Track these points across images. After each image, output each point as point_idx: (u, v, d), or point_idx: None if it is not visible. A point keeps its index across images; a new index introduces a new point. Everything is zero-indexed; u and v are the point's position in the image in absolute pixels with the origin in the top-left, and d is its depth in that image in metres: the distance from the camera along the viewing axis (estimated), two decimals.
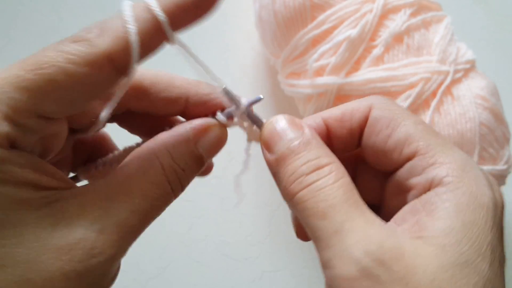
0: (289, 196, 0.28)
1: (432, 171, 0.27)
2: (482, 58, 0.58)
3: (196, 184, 0.66)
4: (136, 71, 0.26)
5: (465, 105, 0.51)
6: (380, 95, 0.33)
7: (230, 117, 0.31)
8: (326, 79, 0.53)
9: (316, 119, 0.32)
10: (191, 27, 0.28)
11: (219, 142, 0.30)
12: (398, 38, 0.53)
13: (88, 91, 0.25)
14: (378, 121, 0.30)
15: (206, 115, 0.31)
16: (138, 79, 0.30)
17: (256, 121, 0.32)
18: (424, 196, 0.27)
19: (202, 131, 0.29)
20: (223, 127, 0.31)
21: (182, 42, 0.28)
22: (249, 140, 0.33)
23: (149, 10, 0.24)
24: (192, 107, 0.31)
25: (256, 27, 0.61)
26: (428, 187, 0.27)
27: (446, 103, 0.52)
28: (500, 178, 0.53)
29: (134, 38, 0.24)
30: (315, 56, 0.53)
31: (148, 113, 0.32)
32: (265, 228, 0.62)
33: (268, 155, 0.30)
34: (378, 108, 0.30)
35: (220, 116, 0.31)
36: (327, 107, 0.55)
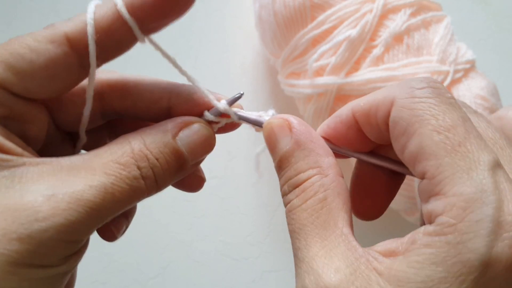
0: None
1: (433, 202, 0.23)
2: (482, 58, 0.58)
3: None
4: (96, 64, 0.27)
5: None
6: (429, 76, 0.27)
7: (218, 115, 0.30)
8: (326, 79, 0.53)
9: (346, 112, 0.29)
10: (164, 26, 0.28)
11: (203, 141, 0.29)
12: (398, 38, 0.53)
13: (49, 68, 0.26)
14: (395, 125, 0.25)
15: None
16: (122, 78, 0.30)
17: (253, 123, 0.31)
18: (416, 231, 0.23)
19: (182, 124, 0.29)
20: (208, 126, 0.30)
21: (150, 39, 0.29)
22: (258, 130, 0.32)
23: (112, 1, 0.26)
24: (176, 107, 0.30)
25: (256, 27, 0.61)
26: (429, 221, 0.23)
27: None
28: None
29: (90, 20, 0.26)
30: (315, 56, 0.53)
31: (136, 116, 0.31)
32: (265, 228, 0.62)
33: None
34: (398, 107, 0.25)
35: (206, 115, 0.30)
36: (327, 107, 0.55)
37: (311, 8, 0.53)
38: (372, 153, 0.30)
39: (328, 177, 0.26)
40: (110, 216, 0.26)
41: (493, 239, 0.21)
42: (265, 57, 0.66)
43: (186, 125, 0.29)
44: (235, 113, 0.30)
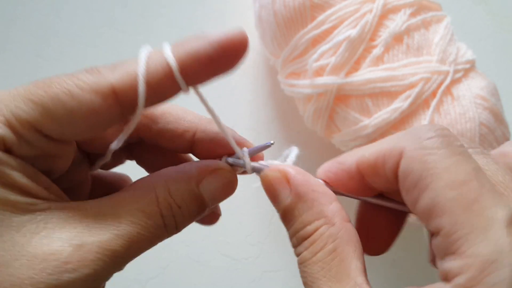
0: None
1: (449, 262, 0.22)
2: (482, 58, 0.58)
3: None
4: (142, 111, 0.25)
5: (465, 105, 0.51)
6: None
7: (238, 165, 0.30)
8: (326, 79, 0.53)
9: (350, 161, 0.28)
10: (210, 81, 0.27)
11: (226, 187, 0.29)
12: (398, 38, 0.53)
13: (90, 118, 0.25)
14: (406, 177, 0.24)
15: (216, 157, 0.30)
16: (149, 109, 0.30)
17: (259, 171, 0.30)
18: (433, 286, 0.23)
19: (207, 171, 0.28)
20: (232, 172, 0.29)
21: (197, 90, 0.27)
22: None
23: (162, 55, 0.25)
24: (199, 143, 0.30)
25: (256, 27, 0.61)
26: (445, 278, 0.22)
27: (446, 103, 0.52)
28: None
29: (141, 77, 0.24)
30: (315, 56, 0.53)
31: (157, 144, 0.31)
32: (265, 228, 0.62)
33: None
34: (408, 158, 0.24)
35: (229, 160, 0.30)
36: (327, 107, 0.55)
37: (311, 8, 0.53)
38: (376, 195, 0.30)
39: (335, 225, 0.26)
40: (130, 260, 0.26)
41: None
42: (265, 57, 0.66)
43: (211, 172, 0.28)
44: (251, 167, 0.30)
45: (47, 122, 0.24)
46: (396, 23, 0.52)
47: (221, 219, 0.66)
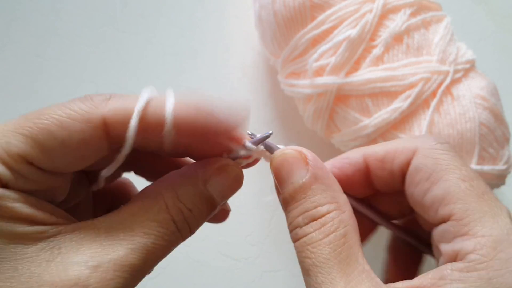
0: (292, 240, 0.28)
1: (461, 242, 0.25)
2: (482, 58, 0.58)
3: None
4: (130, 148, 0.26)
5: (465, 105, 0.51)
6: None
7: (243, 157, 0.30)
8: (326, 79, 0.53)
9: (356, 155, 0.30)
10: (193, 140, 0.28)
11: (233, 183, 0.29)
12: (398, 38, 0.53)
13: (80, 148, 0.25)
14: (419, 171, 0.27)
15: (215, 155, 0.30)
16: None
17: (271, 150, 0.30)
18: (442, 268, 0.25)
19: (212, 170, 0.28)
20: (236, 166, 0.29)
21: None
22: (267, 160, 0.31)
23: (163, 107, 0.25)
24: (198, 143, 0.29)
25: (256, 27, 0.61)
26: (454, 259, 0.25)
27: (446, 103, 0.52)
28: (500, 178, 0.53)
29: (137, 112, 0.24)
30: (315, 56, 0.53)
31: (154, 151, 0.29)
32: (265, 228, 0.62)
33: (279, 192, 0.29)
34: (421, 155, 0.27)
35: (237, 153, 0.29)
36: (327, 107, 0.55)
37: (311, 8, 0.53)
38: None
39: (346, 213, 0.27)
40: (149, 270, 0.26)
41: None
42: (265, 57, 0.66)
43: (217, 170, 0.28)
44: (263, 145, 0.30)
45: (38, 154, 0.24)
46: (396, 23, 0.52)
47: None
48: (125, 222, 0.25)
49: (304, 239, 0.27)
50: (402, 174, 0.28)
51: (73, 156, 0.25)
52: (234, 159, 0.29)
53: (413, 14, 0.54)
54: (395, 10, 0.53)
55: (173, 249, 0.27)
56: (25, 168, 0.24)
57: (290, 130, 0.65)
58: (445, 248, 0.26)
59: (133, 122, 0.24)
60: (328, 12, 0.53)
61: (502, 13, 0.75)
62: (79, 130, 0.24)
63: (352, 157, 0.30)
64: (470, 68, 0.54)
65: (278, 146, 0.30)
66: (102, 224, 0.25)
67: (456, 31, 0.56)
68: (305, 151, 0.29)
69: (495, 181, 0.53)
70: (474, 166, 0.51)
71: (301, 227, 0.27)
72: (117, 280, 0.23)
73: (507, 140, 0.54)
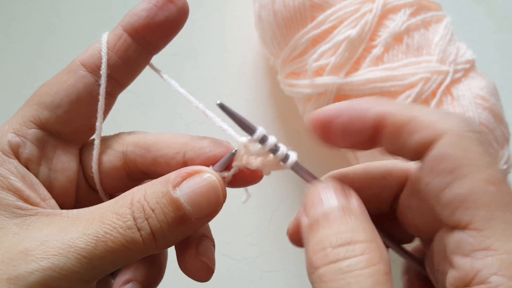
0: (311, 269, 0.23)
1: (482, 259, 0.21)
2: (482, 58, 0.58)
3: None
4: (113, 90, 0.30)
5: (464, 105, 0.51)
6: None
7: (226, 166, 0.29)
8: (325, 79, 0.53)
9: (367, 107, 0.25)
10: (164, 41, 0.32)
11: (206, 191, 0.27)
12: (397, 38, 0.53)
13: (73, 94, 0.29)
14: (443, 160, 0.22)
15: None
16: (143, 136, 0.31)
17: (303, 175, 0.28)
18: None
19: (186, 174, 0.27)
20: (217, 176, 0.28)
21: (152, 65, 0.32)
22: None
23: (118, 27, 0.30)
24: (191, 162, 0.29)
25: (256, 27, 0.61)
26: (472, 278, 0.21)
27: (446, 103, 0.52)
28: None
29: (103, 41, 0.30)
30: (315, 56, 0.53)
31: (156, 173, 0.30)
32: (265, 228, 0.62)
33: (304, 219, 0.25)
34: (449, 142, 0.22)
35: (217, 166, 0.28)
36: None
37: (311, 8, 0.53)
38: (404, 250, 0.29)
39: (385, 252, 0.23)
40: (106, 267, 0.25)
41: None
42: (265, 57, 0.66)
43: (190, 175, 0.27)
44: (289, 162, 0.28)
45: (41, 112, 0.29)
46: (396, 23, 0.52)
47: (221, 219, 0.66)
48: (92, 212, 0.27)
49: (339, 264, 0.22)
50: (416, 151, 0.24)
51: (70, 101, 0.29)
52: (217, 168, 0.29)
53: (413, 14, 0.54)
54: (395, 10, 0.53)
55: (135, 252, 0.26)
56: (34, 132, 0.29)
57: (290, 130, 0.65)
58: (462, 262, 0.21)
59: (103, 38, 0.30)
60: (328, 12, 0.53)
61: (502, 13, 0.75)
62: (66, 79, 0.29)
63: (362, 109, 0.25)
64: (470, 68, 0.54)
65: (289, 153, 0.28)
66: (73, 213, 0.27)
67: (456, 31, 0.56)
68: (347, 188, 0.25)
69: None
70: None
71: (334, 248, 0.23)
72: (59, 257, 0.24)
73: (507, 140, 0.54)
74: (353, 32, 0.52)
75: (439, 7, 0.57)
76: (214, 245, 0.32)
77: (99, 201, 0.31)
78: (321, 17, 0.53)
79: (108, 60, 0.29)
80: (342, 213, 0.24)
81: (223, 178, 0.29)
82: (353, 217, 0.24)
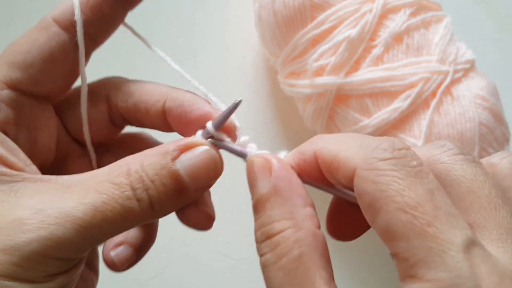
0: None
1: (411, 285, 0.21)
2: (482, 58, 0.58)
3: None
4: (88, 45, 0.29)
5: (464, 105, 0.51)
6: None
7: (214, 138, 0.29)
8: (325, 79, 0.53)
9: (309, 152, 0.27)
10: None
11: (206, 164, 0.27)
12: (397, 38, 0.53)
13: (46, 53, 0.28)
14: (361, 196, 0.23)
15: (191, 131, 0.30)
16: (126, 81, 0.31)
17: (237, 154, 0.29)
18: None
19: (184, 146, 0.27)
20: (214, 148, 0.28)
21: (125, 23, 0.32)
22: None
23: None
24: (169, 112, 0.30)
25: (255, 27, 0.61)
26: None
27: (446, 103, 0.52)
28: None
29: (70, 0, 0.29)
30: (315, 56, 0.53)
31: (137, 119, 0.31)
32: None
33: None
34: (360, 177, 0.23)
35: (210, 140, 0.28)
36: (327, 107, 0.55)
37: (311, 8, 0.53)
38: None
39: (303, 230, 0.24)
40: (102, 236, 0.25)
41: None
42: (265, 57, 0.66)
43: (189, 147, 0.27)
44: (221, 142, 0.29)
45: (14, 73, 0.28)
46: (396, 23, 0.52)
47: (221, 219, 0.66)
48: (86, 181, 0.26)
49: (262, 260, 0.25)
50: (350, 185, 0.25)
51: (43, 59, 0.28)
52: (215, 142, 0.29)
53: (413, 14, 0.54)
54: (395, 10, 0.53)
55: (132, 221, 0.26)
56: (8, 93, 0.27)
57: (290, 130, 0.65)
58: (400, 285, 0.22)
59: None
60: (328, 12, 0.53)
61: (502, 13, 0.75)
62: (37, 36, 0.28)
63: (306, 154, 0.27)
64: (470, 68, 0.54)
65: (254, 151, 0.29)
66: (64, 180, 0.26)
67: (456, 31, 0.56)
68: (273, 160, 0.27)
69: None
70: None
71: (259, 243, 0.26)
72: (56, 227, 0.23)
73: (507, 140, 0.54)
74: (353, 32, 0.52)
75: (439, 7, 0.57)
76: (209, 192, 0.32)
77: (78, 153, 0.32)
78: (321, 17, 0.53)
79: (82, 17, 0.28)
80: (263, 202, 0.25)
81: (215, 146, 0.29)
82: (272, 204, 0.25)
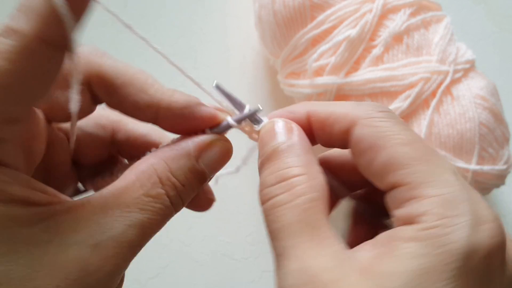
0: (260, 205, 0.28)
1: (413, 205, 0.24)
2: (482, 58, 0.58)
3: None
4: (75, 40, 0.24)
5: (464, 105, 0.51)
6: (374, 101, 0.31)
7: (227, 126, 0.30)
8: (325, 79, 0.53)
9: (301, 110, 0.30)
10: None
11: (223, 157, 0.30)
12: (397, 38, 0.53)
13: (32, 78, 0.23)
14: (360, 141, 0.26)
15: (193, 130, 0.29)
16: (110, 75, 0.28)
17: (256, 121, 0.31)
18: (396, 229, 0.24)
19: (204, 146, 0.29)
20: (227, 142, 0.30)
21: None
22: (252, 139, 0.32)
23: None
24: (165, 119, 0.29)
25: (255, 27, 0.61)
26: (409, 222, 0.24)
27: (446, 103, 0.52)
28: (500, 178, 0.53)
29: (63, 8, 0.23)
30: (315, 56, 0.53)
31: (122, 112, 0.30)
32: (265, 228, 0.62)
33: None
34: (361, 125, 0.26)
35: (229, 120, 0.30)
36: None
37: (311, 8, 0.53)
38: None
39: (317, 180, 0.26)
40: (144, 244, 0.27)
41: (474, 230, 0.23)
42: (265, 57, 0.66)
43: (209, 146, 0.29)
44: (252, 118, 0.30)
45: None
46: (396, 23, 0.52)
47: (221, 219, 0.66)
48: (120, 198, 0.26)
49: (273, 201, 0.26)
50: (341, 139, 0.28)
51: (29, 88, 0.23)
52: (219, 132, 0.30)
53: (413, 14, 0.54)
54: (395, 10, 0.53)
55: (167, 221, 0.27)
56: None
57: None
58: (398, 213, 0.25)
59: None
60: (328, 12, 0.53)
61: (502, 13, 0.75)
62: (20, 66, 0.22)
63: (297, 112, 0.30)
64: (470, 68, 0.54)
65: (263, 118, 0.31)
66: (97, 201, 0.25)
67: (456, 31, 0.56)
68: (293, 123, 0.29)
69: (495, 181, 0.53)
70: (473, 166, 0.51)
71: (268, 187, 0.27)
72: (117, 257, 0.24)
73: (507, 140, 0.54)
74: (353, 32, 0.52)
75: (439, 7, 0.57)
76: None
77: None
78: (321, 17, 0.53)
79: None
80: (280, 151, 0.27)
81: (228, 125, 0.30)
82: (290, 153, 0.27)
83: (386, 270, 0.22)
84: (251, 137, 0.31)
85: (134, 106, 0.28)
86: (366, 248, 0.25)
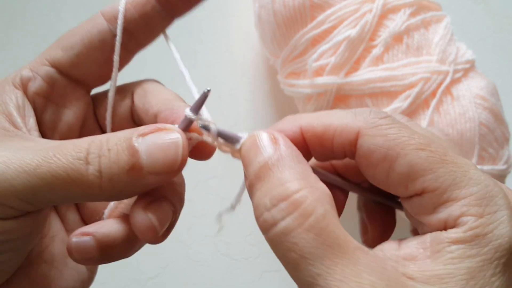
0: (262, 233, 0.25)
1: (445, 210, 0.24)
2: (482, 58, 0.58)
3: (196, 184, 0.66)
4: (129, 47, 0.31)
5: (464, 105, 0.51)
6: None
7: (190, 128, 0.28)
8: (325, 79, 0.53)
9: (292, 127, 0.27)
10: (187, 7, 0.33)
11: (166, 146, 0.26)
12: (397, 38, 0.53)
13: (87, 42, 0.31)
14: (372, 152, 0.25)
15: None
16: (147, 84, 0.32)
17: (229, 138, 0.28)
18: (436, 233, 0.24)
19: (156, 129, 0.26)
20: (182, 135, 0.27)
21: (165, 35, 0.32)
22: (234, 156, 0.29)
23: None
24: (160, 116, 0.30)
25: (255, 27, 0.61)
26: (443, 227, 0.24)
27: (446, 103, 0.52)
28: (500, 178, 0.53)
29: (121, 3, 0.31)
30: (315, 56, 0.53)
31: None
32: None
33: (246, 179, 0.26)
34: (367, 136, 0.25)
35: (185, 119, 0.28)
36: (327, 107, 0.55)
37: (311, 8, 0.53)
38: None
39: (320, 190, 0.23)
40: (42, 191, 0.24)
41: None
42: (265, 57, 0.66)
43: (160, 130, 0.26)
44: (215, 128, 0.27)
45: (58, 53, 0.30)
46: (396, 23, 0.52)
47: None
48: (59, 141, 0.27)
49: (279, 228, 0.23)
50: (342, 152, 0.26)
51: (84, 46, 0.30)
52: (185, 128, 0.28)
53: (413, 14, 0.54)
54: (395, 10, 0.53)
55: (79, 187, 0.25)
56: (46, 69, 0.30)
57: None
58: (429, 219, 0.24)
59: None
60: (328, 12, 0.53)
61: (502, 13, 0.75)
62: (85, 28, 0.31)
63: (289, 130, 0.27)
64: (470, 68, 0.54)
65: (240, 135, 0.27)
66: (45, 140, 0.28)
67: (456, 31, 0.56)
68: (275, 133, 0.26)
69: None
70: None
71: (269, 210, 0.23)
72: (2, 166, 0.24)
73: (507, 140, 0.54)
74: (353, 32, 0.52)
75: (439, 7, 0.57)
76: (174, 212, 0.29)
77: None
78: (321, 17, 0.53)
79: (125, 12, 0.30)
80: (269, 168, 0.24)
81: (189, 139, 0.28)
82: (281, 168, 0.24)
83: (441, 275, 0.22)
84: (235, 157, 0.28)
85: (142, 111, 0.32)
86: (403, 253, 0.24)
